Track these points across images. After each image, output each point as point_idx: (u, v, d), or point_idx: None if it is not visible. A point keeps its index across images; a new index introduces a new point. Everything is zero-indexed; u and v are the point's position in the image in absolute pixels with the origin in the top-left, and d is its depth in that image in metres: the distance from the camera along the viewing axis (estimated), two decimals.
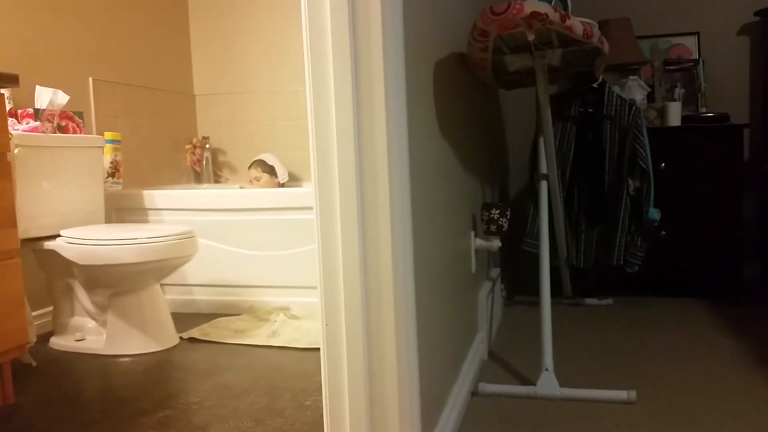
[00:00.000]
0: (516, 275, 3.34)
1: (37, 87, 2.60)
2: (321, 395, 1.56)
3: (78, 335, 2.47)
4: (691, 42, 3.18)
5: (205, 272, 2.96)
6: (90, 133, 3.04)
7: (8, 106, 2.49)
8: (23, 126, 2.47)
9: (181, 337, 2.53)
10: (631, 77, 2.98)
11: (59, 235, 2.42)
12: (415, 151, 1.35)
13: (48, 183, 2.45)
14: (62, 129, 2.66)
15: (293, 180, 3.72)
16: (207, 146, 3.76)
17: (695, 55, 3.16)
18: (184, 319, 2.84)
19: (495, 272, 2.62)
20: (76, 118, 2.73)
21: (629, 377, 2.00)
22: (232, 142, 3.85)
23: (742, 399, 1.80)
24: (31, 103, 2.65)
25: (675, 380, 1.96)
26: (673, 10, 3.21)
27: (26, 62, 2.71)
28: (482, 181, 2.36)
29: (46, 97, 2.59)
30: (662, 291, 3.10)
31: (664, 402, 1.80)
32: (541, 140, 2.36)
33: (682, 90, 3.12)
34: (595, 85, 2.69)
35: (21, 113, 2.54)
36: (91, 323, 2.48)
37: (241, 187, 3.41)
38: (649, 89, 3.05)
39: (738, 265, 2.79)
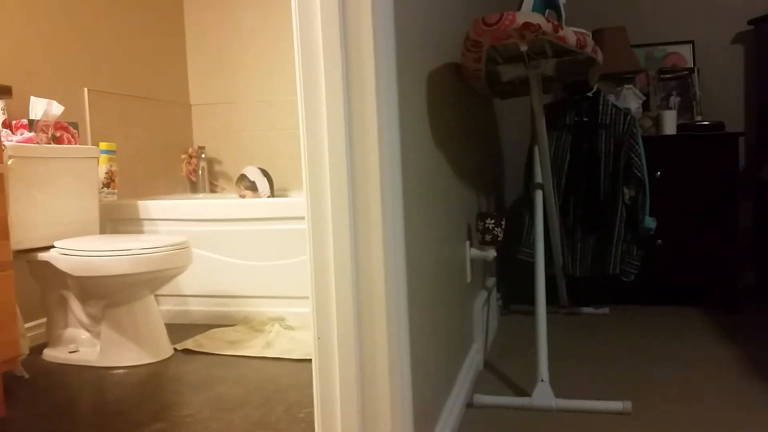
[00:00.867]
0: (512, 285, 3.33)
1: (32, 98, 2.60)
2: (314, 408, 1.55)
3: (71, 347, 2.46)
4: (686, 50, 3.19)
5: (200, 283, 2.95)
6: (85, 143, 3.03)
7: (2, 117, 2.48)
8: (17, 137, 2.46)
9: (175, 349, 2.51)
10: (626, 86, 2.99)
11: (53, 246, 2.41)
12: (408, 160, 1.35)
13: (42, 194, 2.44)
14: (57, 140, 2.65)
15: (289, 190, 3.72)
16: (203, 156, 3.75)
17: (690, 64, 3.17)
18: (178, 330, 2.83)
19: (491, 282, 2.61)
20: (70, 128, 2.72)
21: (625, 387, 1.99)
22: (227, 151, 3.84)
23: (738, 408, 1.79)
24: (26, 114, 2.65)
25: (671, 390, 1.95)
26: (667, 19, 3.22)
27: (21, 73, 2.71)
28: (477, 191, 2.36)
29: (40, 107, 2.58)
30: (658, 299, 3.09)
31: (659, 412, 1.79)
32: (536, 149, 2.35)
33: (677, 98, 3.13)
34: (589, 94, 2.69)
35: (15, 124, 2.54)
36: (84, 335, 2.46)
37: (243, 196, 3.40)
38: (644, 98, 3.05)
39: (733, 273, 2.79)
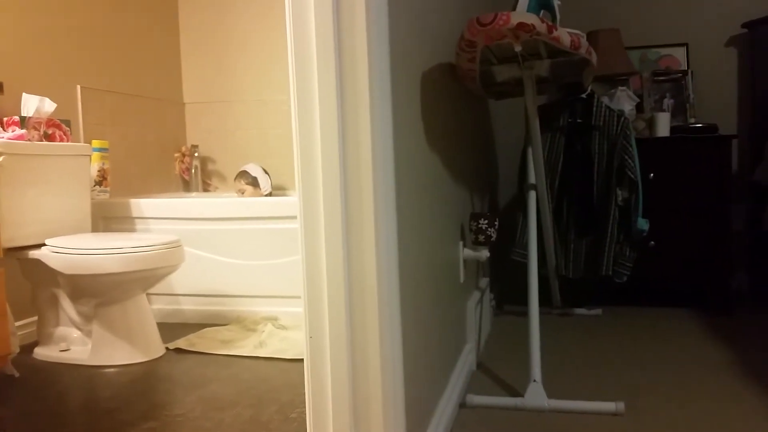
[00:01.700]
0: (505, 285, 3.33)
1: (24, 94, 2.58)
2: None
3: (63, 345, 2.44)
4: (679, 53, 3.20)
5: (193, 282, 2.94)
6: (77, 141, 3.02)
7: None
8: (9, 134, 2.44)
9: (167, 348, 2.50)
10: (620, 88, 2.99)
11: (44, 244, 2.40)
12: (402, 160, 1.35)
13: (34, 191, 2.42)
14: (49, 137, 2.64)
15: (282, 189, 3.71)
16: (196, 155, 3.74)
17: (684, 66, 3.18)
18: (170, 329, 2.82)
19: (484, 282, 2.61)
20: (63, 126, 2.71)
21: (618, 388, 2.00)
22: (221, 150, 3.83)
23: (730, 409, 1.80)
24: (18, 111, 2.63)
25: (663, 391, 1.95)
26: (662, 21, 3.23)
27: (13, 69, 2.69)
28: (471, 191, 2.36)
29: (32, 104, 2.57)
30: (651, 301, 3.10)
31: (652, 413, 1.79)
32: (530, 150, 2.36)
33: (671, 101, 3.14)
34: (583, 95, 2.70)
35: (7, 121, 2.52)
36: (76, 333, 2.45)
37: (241, 191, 3.40)
38: (638, 100, 3.06)
39: (726, 275, 2.80)
